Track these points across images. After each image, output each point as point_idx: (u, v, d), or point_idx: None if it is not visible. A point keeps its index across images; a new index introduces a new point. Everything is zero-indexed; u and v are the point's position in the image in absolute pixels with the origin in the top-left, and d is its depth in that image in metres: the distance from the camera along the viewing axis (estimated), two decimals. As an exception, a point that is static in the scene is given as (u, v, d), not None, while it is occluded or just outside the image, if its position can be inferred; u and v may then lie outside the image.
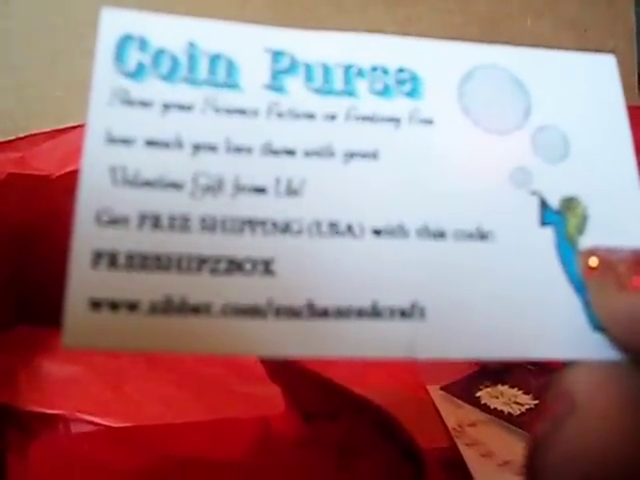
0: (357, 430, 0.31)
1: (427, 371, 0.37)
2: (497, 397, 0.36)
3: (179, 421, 0.30)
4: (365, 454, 0.30)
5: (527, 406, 0.35)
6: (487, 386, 0.37)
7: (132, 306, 0.15)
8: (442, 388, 0.37)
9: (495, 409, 0.35)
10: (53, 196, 0.28)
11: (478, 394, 0.37)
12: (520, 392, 0.37)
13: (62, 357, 0.29)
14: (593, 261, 0.16)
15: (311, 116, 0.17)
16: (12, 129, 0.41)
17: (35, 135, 0.40)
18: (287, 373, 0.30)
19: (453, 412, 0.36)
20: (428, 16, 0.66)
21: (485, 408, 0.36)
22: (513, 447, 0.32)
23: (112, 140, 0.16)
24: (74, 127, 0.38)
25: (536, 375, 0.37)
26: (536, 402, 0.35)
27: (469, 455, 0.32)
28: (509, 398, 0.36)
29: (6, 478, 0.27)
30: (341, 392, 0.32)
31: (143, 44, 0.16)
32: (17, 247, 0.36)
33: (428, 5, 0.67)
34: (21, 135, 0.39)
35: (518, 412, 0.35)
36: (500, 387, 0.37)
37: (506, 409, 0.35)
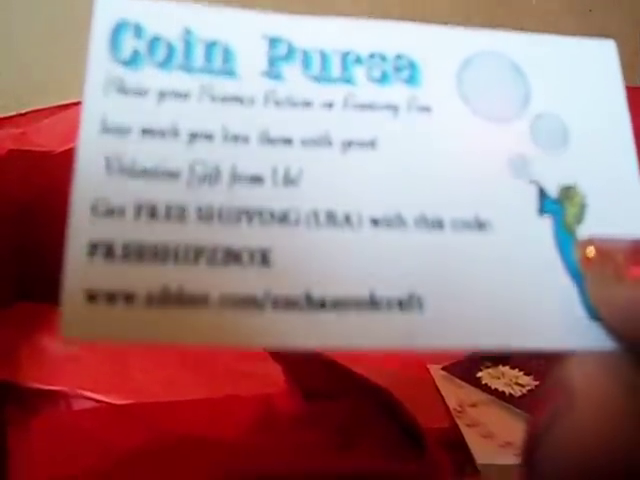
0: (358, 410, 0.31)
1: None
2: (498, 378, 0.37)
3: (180, 399, 0.30)
4: (366, 434, 0.30)
5: (528, 387, 0.36)
6: (488, 367, 0.37)
7: (129, 297, 0.14)
8: (443, 368, 0.37)
9: (496, 390, 0.36)
10: (54, 172, 0.28)
11: (479, 375, 0.37)
12: (521, 373, 0.37)
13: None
14: (590, 251, 0.16)
15: (308, 104, 0.17)
16: (14, 106, 0.40)
17: (36, 111, 0.40)
18: (288, 352, 0.30)
19: (454, 392, 0.36)
20: (435, -5, 0.66)
21: (486, 389, 0.36)
22: (514, 428, 0.32)
23: (107, 129, 0.15)
24: (75, 103, 0.38)
25: (537, 356, 0.37)
26: (537, 383, 0.36)
27: (470, 436, 0.32)
28: (510, 379, 0.36)
29: (7, 454, 0.27)
30: (342, 372, 0.32)
31: (138, 31, 0.16)
32: (18, 223, 0.36)
33: (434, -16, 0.66)
34: (23, 111, 0.39)
35: (519, 393, 0.35)
36: (501, 368, 0.37)
37: (507, 390, 0.35)
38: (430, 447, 0.29)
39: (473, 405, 0.35)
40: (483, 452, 0.31)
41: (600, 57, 0.18)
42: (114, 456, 0.26)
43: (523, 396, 0.35)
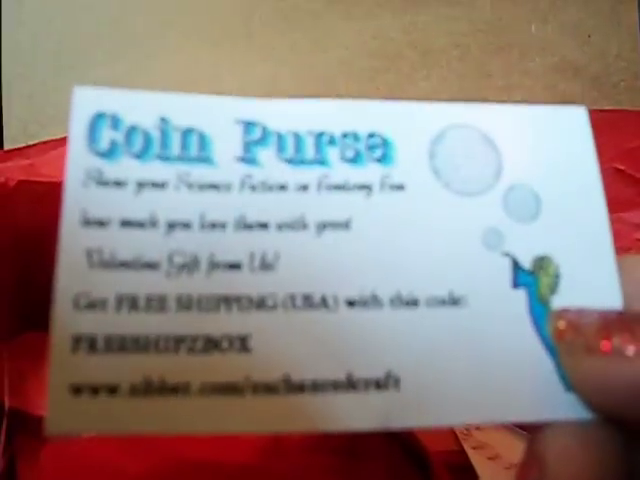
0: (363, 434, 0.31)
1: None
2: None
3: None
4: (371, 458, 0.30)
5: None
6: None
7: (112, 389, 0.15)
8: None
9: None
10: (61, 203, 0.29)
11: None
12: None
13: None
14: (562, 324, 0.16)
15: (283, 187, 0.17)
16: (22, 137, 0.41)
17: (45, 142, 0.41)
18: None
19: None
20: (434, 23, 0.67)
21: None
22: (519, 450, 0.32)
23: (88, 222, 0.16)
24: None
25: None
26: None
27: (476, 458, 0.32)
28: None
29: (18, 482, 0.27)
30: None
31: (115, 122, 0.16)
32: (26, 253, 0.37)
33: (434, 12, 0.67)
34: (31, 143, 0.40)
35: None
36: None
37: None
38: (436, 470, 0.29)
39: (479, 427, 0.35)
40: (489, 474, 0.31)
41: (571, 125, 0.18)
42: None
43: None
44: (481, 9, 0.67)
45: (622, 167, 0.47)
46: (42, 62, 0.69)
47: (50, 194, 0.36)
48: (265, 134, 0.17)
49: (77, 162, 0.16)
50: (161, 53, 0.69)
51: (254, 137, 0.17)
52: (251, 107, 0.17)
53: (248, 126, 0.17)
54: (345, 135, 0.17)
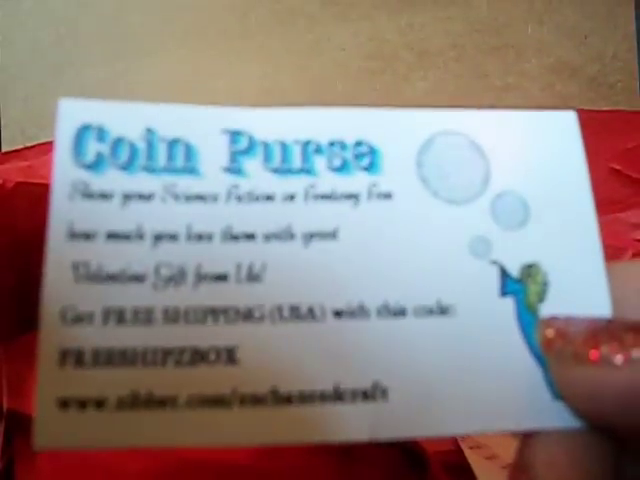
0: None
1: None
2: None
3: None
4: (368, 458, 0.30)
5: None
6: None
7: (100, 403, 0.15)
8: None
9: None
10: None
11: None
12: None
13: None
14: (550, 332, 0.16)
15: (270, 197, 0.17)
16: (20, 139, 0.41)
17: (42, 144, 0.41)
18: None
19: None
20: (430, 24, 0.67)
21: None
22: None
23: (74, 235, 0.16)
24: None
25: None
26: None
27: (473, 458, 0.32)
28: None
29: (15, 482, 0.27)
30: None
31: (101, 133, 0.16)
32: (24, 254, 0.37)
33: (430, 13, 0.67)
34: (29, 145, 0.40)
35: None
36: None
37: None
38: (433, 471, 0.29)
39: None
40: (487, 474, 0.31)
41: (561, 129, 0.18)
42: (121, 482, 0.27)
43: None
44: (477, 10, 0.67)
45: (619, 167, 0.47)
46: (39, 64, 0.69)
47: (48, 196, 0.37)
48: (251, 144, 0.17)
49: (63, 175, 0.16)
50: (158, 54, 0.69)
51: (240, 147, 0.17)
52: (237, 117, 0.17)
53: (234, 136, 0.17)
54: (332, 144, 0.17)
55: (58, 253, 0.15)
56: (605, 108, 0.58)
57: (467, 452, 0.33)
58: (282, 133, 0.17)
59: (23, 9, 0.70)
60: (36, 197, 0.37)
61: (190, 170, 0.16)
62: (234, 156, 0.17)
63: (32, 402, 0.31)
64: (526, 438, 0.16)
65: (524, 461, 0.16)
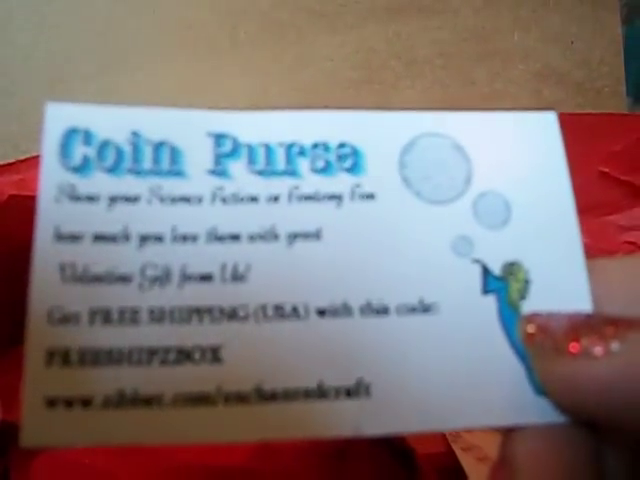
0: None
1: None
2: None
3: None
4: (359, 460, 0.30)
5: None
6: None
7: (86, 402, 0.15)
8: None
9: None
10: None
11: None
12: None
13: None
14: (531, 328, 0.16)
15: (254, 199, 0.17)
16: (12, 153, 0.42)
17: (35, 158, 0.41)
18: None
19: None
20: (417, 33, 0.68)
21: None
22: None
23: (61, 237, 0.16)
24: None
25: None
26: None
27: (465, 460, 0.32)
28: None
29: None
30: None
31: (88, 137, 0.16)
32: (16, 268, 0.37)
33: (418, 22, 0.68)
34: (22, 158, 0.40)
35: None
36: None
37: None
38: (424, 472, 0.29)
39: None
40: (478, 475, 0.31)
41: (542, 130, 0.18)
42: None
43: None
44: (464, 18, 0.68)
45: (607, 170, 0.47)
46: (32, 78, 0.70)
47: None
48: (236, 146, 0.17)
49: (50, 178, 0.16)
50: (148, 68, 0.69)
51: (225, 150, 0.17)
52: (222, 119, 0.17)
53: (219, 139, 0.17)
54: (315, 145, 0.17)
55: (45, 255, 0.16)
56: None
57: (459, 454, 0.33)
58: (266, 136, 0.17)
59: (14, 25, 0.71)
60: (29, 210, 0.37)
61: (175, 173, 0.17)
62: (219, 159, 0.17)
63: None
64: (508, 432, 0.16)
65: (506, 455, 0.16)
